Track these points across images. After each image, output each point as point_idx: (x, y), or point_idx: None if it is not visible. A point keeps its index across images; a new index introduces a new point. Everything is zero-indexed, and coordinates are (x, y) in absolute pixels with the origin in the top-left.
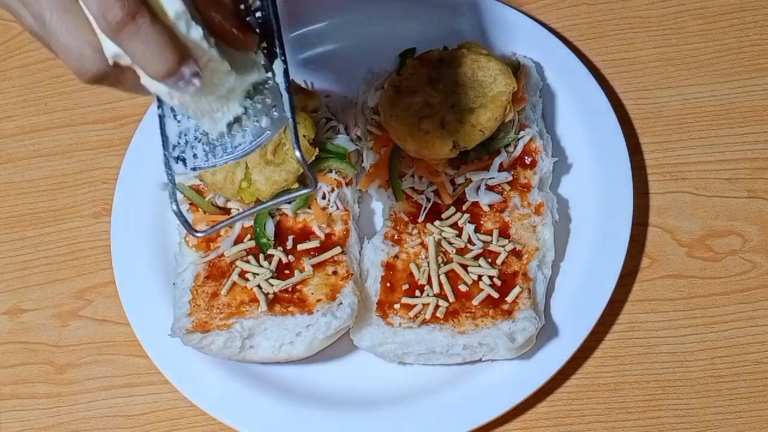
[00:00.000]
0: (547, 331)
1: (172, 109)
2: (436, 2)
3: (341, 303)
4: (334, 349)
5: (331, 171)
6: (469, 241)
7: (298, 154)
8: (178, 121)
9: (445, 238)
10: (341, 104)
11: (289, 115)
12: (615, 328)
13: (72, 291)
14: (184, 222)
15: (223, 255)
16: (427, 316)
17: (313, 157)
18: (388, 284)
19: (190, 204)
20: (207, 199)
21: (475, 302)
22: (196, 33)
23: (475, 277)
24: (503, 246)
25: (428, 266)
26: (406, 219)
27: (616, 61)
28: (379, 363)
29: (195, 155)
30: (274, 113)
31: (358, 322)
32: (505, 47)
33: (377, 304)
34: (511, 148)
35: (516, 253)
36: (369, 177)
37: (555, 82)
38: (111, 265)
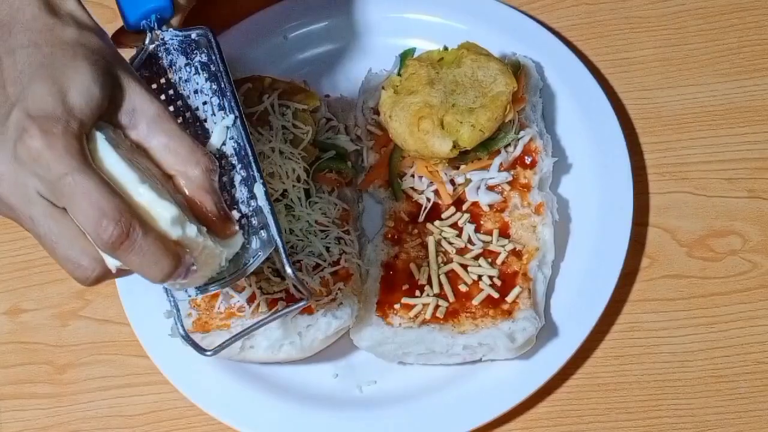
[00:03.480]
0: (547, 331)
1: None
2: (436, 2)
3: (341, 303)
4: (334, 349)
5: (331, 171)
6: (469, 241)
7: (289, 270)
8: None
9: (445, 238)
10: (341, 104)
11: (276, 237)
12: (615, 328)
13: (72, 291)
14: (194, 345)
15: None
16: (427, 316)
17: (313, 158)
18: (388, 284)
19: None
20: None
21: (475, 302)
22: (191, 231)
23: (475, 277)
24: (503, 246)
25: (428, 266)
26: (406, 219)
27: (616, 61)
28: (379, 363)
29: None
30: (263, 234)
31: (358, 322)
32: (505, 47)
33: (377, 304)
34: (511, 148)
35: (516, 253)
36: (369, 177)
37: (555, 82)
38: None
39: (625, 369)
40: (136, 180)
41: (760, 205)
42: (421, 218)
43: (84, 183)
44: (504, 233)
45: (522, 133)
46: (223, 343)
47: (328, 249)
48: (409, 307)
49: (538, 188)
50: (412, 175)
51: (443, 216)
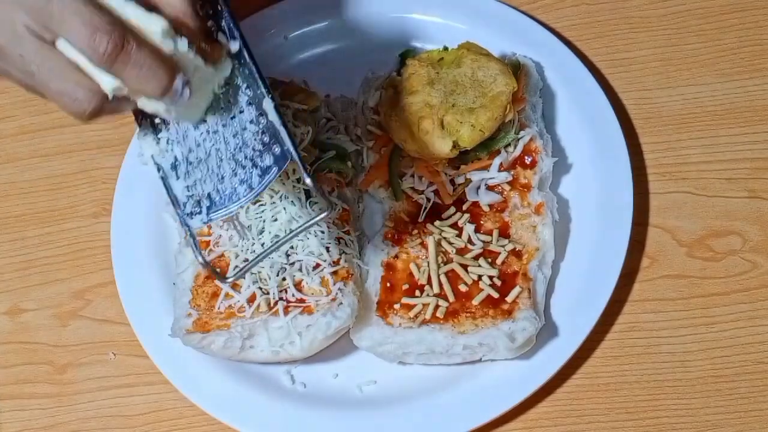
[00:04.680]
0: (547, 331)
1: (173, 167)
2: (436, 2)
3: (341, 303)
4: (334, 349)
5: (331, 171)
6: (469, 241)
7: (308, 182)
8: (182, 177)
9: (445, 238)
10: (341, 104)
11: (291, 148)
12: (615, 328)
13: (72, 291)
14: (213, 270)
15: (223, 255)
16: (427, 316)
17: (313, 158)
18: (388, 284)
19: None
20: None
21: (475, 302)
22: (182, 45)
23: (475, 277)
24: (503, 246)
25: (428, 266)
26: (406, 219)
27: (616, 61)
28: (379, 363)
29: (209, 207)
30: (276, 150)
31: (358, 322)
32: (505, 47)
33: (377, 304)
34: (511, 148)
35: (516, 253)
36: (369, 177)
37: (555, 82)
38: (111, 265)
39: (625, 369)
40: (121, 0)
41: (760, 205)
42: (421, 218)
43: (72, 3)
44: (504, 233)
45: (522, 133)
46: (244, 266)
47: (328, 249)
48: (409, 307)
49: (538, 188)
50: (412, 175)
51: (443, 216)
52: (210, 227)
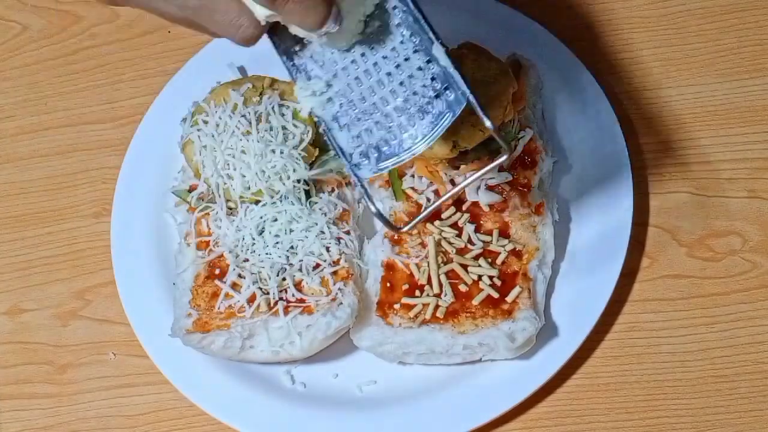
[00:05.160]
0: (547, 331)
1: (334, 118)
2: (436, 2)
3: (341, 303)
4: (334, 349)
5: (331, 171)
6: (469, 241)
7: (488, 123)
8: (344, 129)
9: (445, 238)
10: None
11: (468, 91)
12: (615, 328)
13: (72, 291)
14: (386, 222)
15: (222, 255)
16: (427, 316)
17: (313, 158)
18: (388, 284)
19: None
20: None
21: (475, 302)
22: None
23: (475, 277)
24: (503, 246)
25: (428, 266)
26: (406, 219)
27: (616, 61)
28: (379, 363)
29: (377, 157)
30: (449, 95)
31: (358, 322)
32: (505, 47)
33: (377, 304)
34: None
35: (516, 253)
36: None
37: (555, 82)
38: (111, 265)
39: (625, 369)
40: None
41: (760, 205)
42: None
43: None
44: (504, 233)
45: (522, 133)
46: (419, 217)
47: (328, 249)
48: (409, 307)
49: (538, 188)
50: (412, 175)
51: (443, 216)
52: (210, 227)
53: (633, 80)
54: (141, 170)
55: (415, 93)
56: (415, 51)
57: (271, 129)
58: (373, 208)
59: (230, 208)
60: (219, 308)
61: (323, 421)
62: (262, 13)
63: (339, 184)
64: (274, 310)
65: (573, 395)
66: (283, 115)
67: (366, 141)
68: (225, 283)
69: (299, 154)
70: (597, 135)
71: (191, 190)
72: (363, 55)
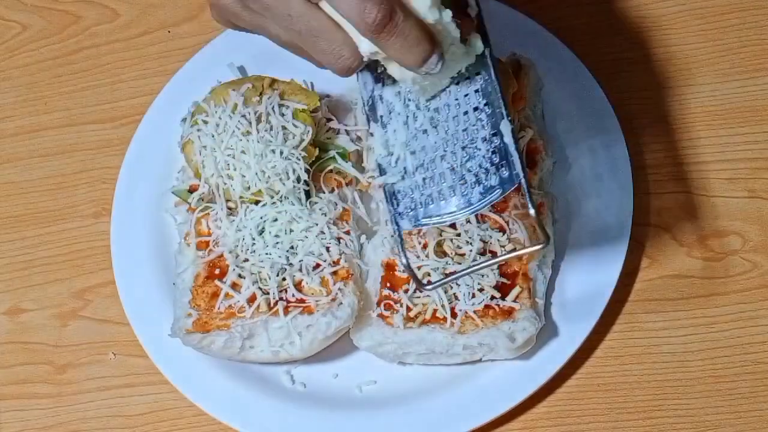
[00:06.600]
0: (547, 331)
1: (403, 169)
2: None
3: (341, 303)
4: (334, 349)
5: (331, 171)
6: (469, 241)
7: (532, 211)
8: (402, 177)
9: (445, 238)
10: (341, 104)
11: (521, 174)
12: (615, 328)
13: (72, 291)
14: (415, 277)
15: (222, 255)
16: (427, 316)
17: (313, 158)
18: (388, 284)
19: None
20: None
21: (475, 302)
22: (447, 16)
23: None
24: (503, 246)
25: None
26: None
27: (616, 61)
28: (379, 363)
29: (422, 211)
30: (504, 172)
31: (358, 322)
32: (505, 47)
33: (377, 304)
34: None
35: None
36: None
37: (555, 82)
38: (111, 265)
39: (625, 369)
40: None
41: (760, 205)
42: None
43: None
44: (504, 233)
45: (522, 133)
46: (450, 278)
47: (328, 249)
48: (409, 308)
49: (538, 188)
50: None
51: None
52: (210, 227)
53: (633, 80)
54: (141, 170)
55: (473, 158)
56: (485, 120)
57: (271, 129)
58: (404, 260)
59: (230, 209)
60: (219, 308)
61: (323, 421)
62: (366, 49)
63: (339, 184)
64: (274, 310)
65: (573, 395)
66: (283, 115)
67: (417, 195)
68: (225, 283)
69: (299, 154)
70: (597, 135)
71: (191, 190)
72: (437, 110)
